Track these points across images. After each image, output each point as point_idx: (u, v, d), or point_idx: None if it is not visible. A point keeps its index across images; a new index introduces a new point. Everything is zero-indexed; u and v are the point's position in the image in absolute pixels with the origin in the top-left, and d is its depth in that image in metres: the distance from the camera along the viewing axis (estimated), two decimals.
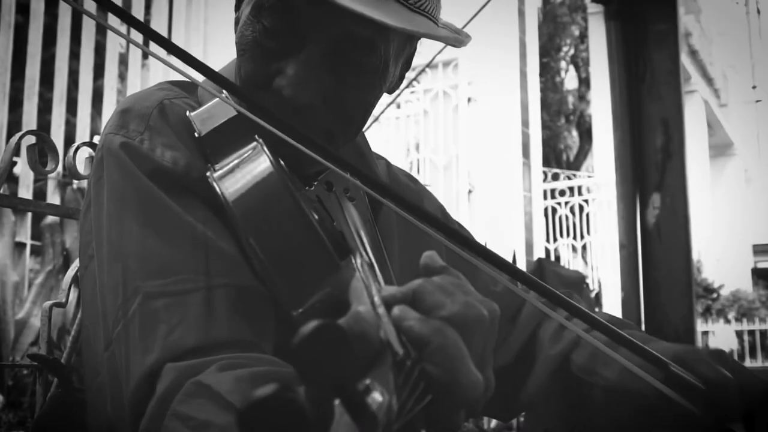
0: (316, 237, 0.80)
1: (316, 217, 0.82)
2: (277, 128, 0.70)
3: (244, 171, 0.83)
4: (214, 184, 0.82)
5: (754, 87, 17.32)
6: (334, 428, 0.40)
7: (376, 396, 0.44)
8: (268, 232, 0.80)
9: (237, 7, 0.97)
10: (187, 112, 0.90)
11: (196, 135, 0.87)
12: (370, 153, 1.12)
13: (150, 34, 0.70)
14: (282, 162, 0.87)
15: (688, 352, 0.89)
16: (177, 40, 5.66)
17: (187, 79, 0.80)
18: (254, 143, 0.85)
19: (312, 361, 0.40)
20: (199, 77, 0.74)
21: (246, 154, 0.84)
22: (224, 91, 0.89)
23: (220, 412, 0.65)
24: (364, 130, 1.02)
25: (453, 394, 0.57)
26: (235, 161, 0.84)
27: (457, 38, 0.96)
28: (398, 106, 6.31)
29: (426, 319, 0.59)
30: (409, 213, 0.73)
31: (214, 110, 0.89)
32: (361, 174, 0.73)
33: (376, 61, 0.89)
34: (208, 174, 0.83)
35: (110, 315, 0.81)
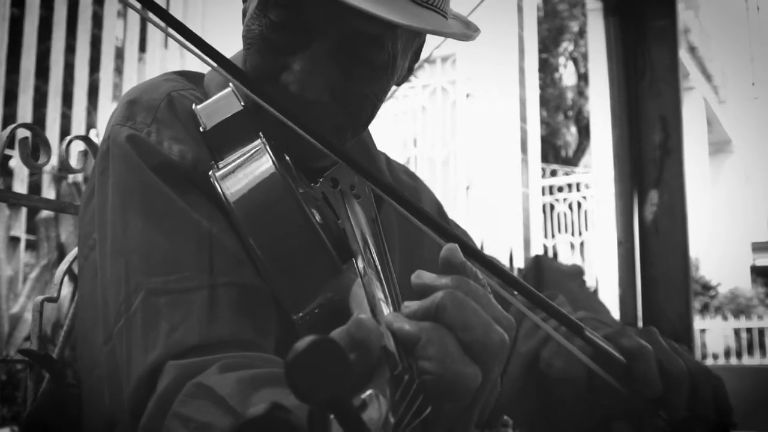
0: (317, 240, 0.79)
1: (319, 219, 0.81)
2: (287, 119, 0.69)
3: (246, 171, 0.81)
4: (216, 184, 0.81)
5: (753, 84, 17.33)
6: None
7: (373, 412, 0.44)
8: (268, 234, 0.79)
9: None
10: (193, 105, 0.88)
11: (201, 130, 0.86)
12: (374, 146, 1.11)
13: (169, 21, 0.73)
14: (288, 157, 0.86)
15: (616, 330, 0.90)
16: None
17: (193, 70, 0.79)
18: (258, 142, 0.83)
19: (307, 376, 0.40)
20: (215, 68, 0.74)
21: (249, 154, 0.83)
22: (230, 84, 0.87)
23: (221, 414, 0.64)
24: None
25: (448, 387, 0.57)
26: (238, 160, 0.83)
27: (465, 33, 0.94)
28: (396, 102, 6.30)
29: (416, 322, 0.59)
30: (410, 211, 0.73)
31: (220, 104, 0.87)
32: (363, 169, 0.71)
33: (385, 57, 0.88)
34: (210, 173, 0.82)
35: (111, 309, 0.80)
